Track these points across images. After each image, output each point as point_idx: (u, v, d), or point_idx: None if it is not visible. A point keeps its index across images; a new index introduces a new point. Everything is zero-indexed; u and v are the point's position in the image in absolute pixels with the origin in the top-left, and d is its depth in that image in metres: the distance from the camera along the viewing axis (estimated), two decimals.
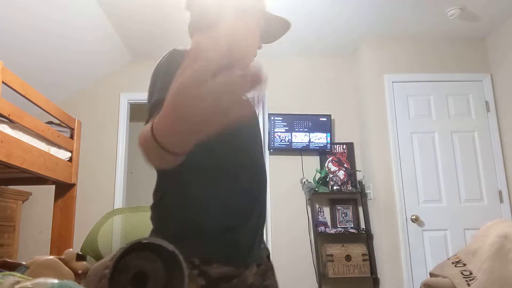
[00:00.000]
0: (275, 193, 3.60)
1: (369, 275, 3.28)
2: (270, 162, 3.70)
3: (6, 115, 2.05)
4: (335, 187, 3.55)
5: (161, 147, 0.53)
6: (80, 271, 0.65)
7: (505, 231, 1.24)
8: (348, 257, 3.28)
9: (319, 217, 3.55)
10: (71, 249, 0.67)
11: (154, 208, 1.02)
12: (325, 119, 3.75)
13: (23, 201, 3.54)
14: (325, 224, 3.49)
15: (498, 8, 3.17)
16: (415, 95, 3.55)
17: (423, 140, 3.46)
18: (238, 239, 0.98)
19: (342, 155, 3.75)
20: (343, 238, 3.45)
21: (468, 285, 1.18)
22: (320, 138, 3.71)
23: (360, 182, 3.65)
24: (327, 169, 3.64)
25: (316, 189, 3.50)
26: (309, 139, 3.71)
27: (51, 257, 0.66)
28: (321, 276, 3.33)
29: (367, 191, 3.57)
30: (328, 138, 3.71)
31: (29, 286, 0.46)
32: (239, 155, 1.02)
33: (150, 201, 1.03)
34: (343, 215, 3.58)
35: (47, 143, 2.49)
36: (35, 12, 2.76)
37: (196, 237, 0.96)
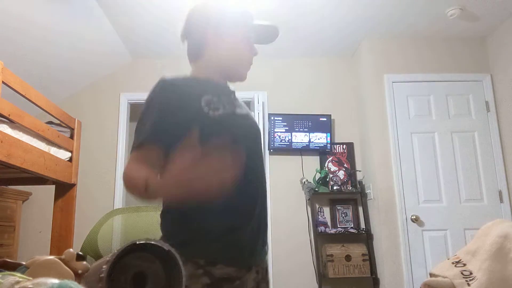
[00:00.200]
0: (275, 193, 3.60)
1: (369, 275, 3.28)
2: (270, 162, 3.70)
3: (6, 115, 2.05)
4: (335, 187, 3.55)
5: (147, 198, 0.70)
6: (80, 271, 0.65)
7: (505, 231, 1.24)
8: (348, 257, 3.28)
9: (319, 217, 3.54)
10: (71, 249, 0.67)
11: (162, 216, 1.06)
12: (325, 119, 3.75)
13: (23, 201, 3.54)
14: (325, 224, 3.49)
15: (498, 8, 3.17)
16: (415, 95, 3.55)
17: (423, 140, 3.45)
18: (241, 239, 1.02)
19: (342, 155, 3.75)
20: (343, 238, 3.45)
21: (468, 285, 1.18)
22: (320, 138, 3.71)
23: (360, 182, 3.65)
24: (327, 169, 3.63)
25: (316, 189, 3.50)
26: (309, 139, 3.70)
27: (51, 257, 0.66)
28: (321, 276, 3.33)
29: (367, 191, 3.57)
30: (328, 138, 3.70)
31: (29, 286, 0.46)
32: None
33: None
34: (343, 215, 3.58)
35: (47, 143, 2.49)
36: (35, 12, 2.76)
37: (201, 239, 1.00)
